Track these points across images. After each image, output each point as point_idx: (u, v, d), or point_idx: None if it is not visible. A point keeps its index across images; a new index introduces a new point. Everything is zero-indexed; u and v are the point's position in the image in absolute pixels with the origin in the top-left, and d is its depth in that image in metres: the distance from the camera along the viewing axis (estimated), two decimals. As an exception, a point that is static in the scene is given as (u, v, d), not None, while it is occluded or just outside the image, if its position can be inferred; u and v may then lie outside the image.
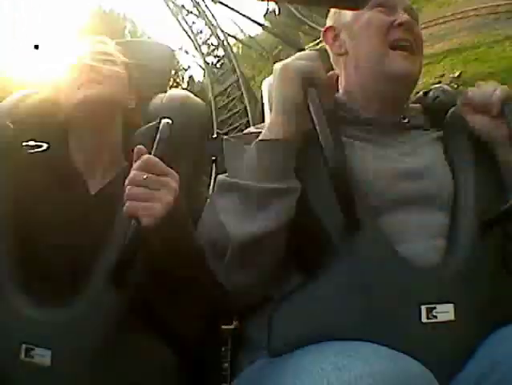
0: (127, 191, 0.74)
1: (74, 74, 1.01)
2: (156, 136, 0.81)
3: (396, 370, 0.58)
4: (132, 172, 0.75)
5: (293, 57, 0.83)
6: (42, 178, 0.97)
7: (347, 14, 0.97)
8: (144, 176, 0.74)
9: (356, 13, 0.94)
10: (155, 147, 0.79)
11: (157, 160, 0.76)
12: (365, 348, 0.65)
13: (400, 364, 0.59)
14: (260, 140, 0.82)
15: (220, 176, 0.85)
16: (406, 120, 0.96)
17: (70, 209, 0.94)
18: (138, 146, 0.78)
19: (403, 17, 0.91)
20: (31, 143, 0.99)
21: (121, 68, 1.05)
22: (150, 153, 0.79)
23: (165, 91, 1.15)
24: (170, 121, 0.85)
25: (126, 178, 0.86)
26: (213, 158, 1.10)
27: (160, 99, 1.05)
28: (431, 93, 1.06)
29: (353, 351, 0.63)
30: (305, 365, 0.64)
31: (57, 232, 0.91)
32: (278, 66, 0.83)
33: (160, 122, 0.86)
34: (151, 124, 0.95)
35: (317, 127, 0.73)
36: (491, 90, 0.88)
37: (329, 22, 1.01)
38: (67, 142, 1.02)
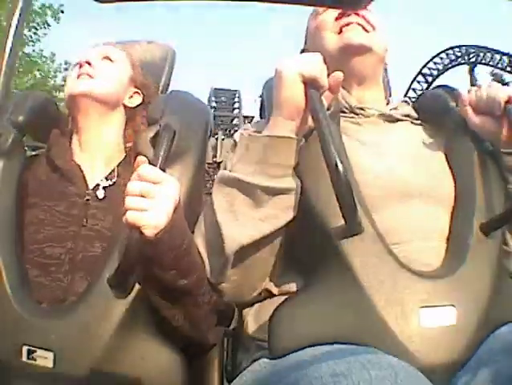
0: (125, 201, 0.73)
1: (75, 70, 1.04)
2: (157, 142, 0.81)
3: (394, 377, 0.57)
4: (130, 183, 0.74)
5: (295, 57, 0.82)
6: (44, 174, 1.00)
7: (308, 30, 1.05)
8: (142, 186, 0.73)
9: (312, 24, 1.01)
10: (155, 154, 0.78)
11: (155, 169, 0.75)
12: (364, 353, 0.65)
13: (399, 371, 0.59)
14: (262, 136, 0.81)
15: (222, 171, 0.85)
16: (394, 109, 0.99)
17: (69, 204, 0.95)
18: (139, 156, 0.77)
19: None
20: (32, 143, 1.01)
21: (120, 67, 1.08)
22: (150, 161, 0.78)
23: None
24: (173, 127, 0.85)
25: (122, 172, 0.96)
26: (219, 161, 1.10)
27: (161, 99, 1.05)
28: (430, 92, 1.06)
29: (352, 357, 0.63)
30: (304, 371, 0.64)
31: (57, 227, 0.93)
32: (279, 66, 0.81)
33: (162, 127, 0.85)
34: (152, 127, 0.95)
35: (319, 131, 0.73)
36: (494, 90, 0.88)
37: None
38: (71, 138, 1.05)
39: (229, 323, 0.95)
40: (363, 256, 0.76)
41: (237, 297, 0.89)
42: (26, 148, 1.02)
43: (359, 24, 0.96)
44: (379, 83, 1.03)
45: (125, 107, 1.09)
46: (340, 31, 0.96)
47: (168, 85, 1.27)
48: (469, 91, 0.92)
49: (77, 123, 1.04)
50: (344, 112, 0.96)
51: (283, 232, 0.83)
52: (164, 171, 0.77)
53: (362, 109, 0.96)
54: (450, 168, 0.91)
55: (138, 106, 1.10)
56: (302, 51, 1.07)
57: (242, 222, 0.79)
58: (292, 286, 0.84)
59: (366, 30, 0.96)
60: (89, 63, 1.03)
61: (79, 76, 1.02)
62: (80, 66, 1.03)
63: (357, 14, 0.96)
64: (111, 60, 1.07)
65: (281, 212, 0.79)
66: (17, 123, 0.98)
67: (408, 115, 1.00)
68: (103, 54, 1.06)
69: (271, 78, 0.89)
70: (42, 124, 1.05)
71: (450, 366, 0.73)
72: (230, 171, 0.83)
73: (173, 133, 0.85)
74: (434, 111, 1.01)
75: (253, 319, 0.88)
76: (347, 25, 0.96)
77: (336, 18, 0.97)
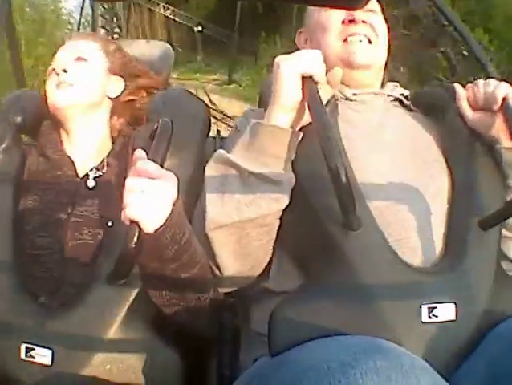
0: (124, 198, 0.72)
1: (51, 76, 1.04)
2: (155, 137, 0.81)
3: (400, 365, 0.57)
4: (128, 179, 0.74)
5: (295, 53, 0.83)
6: (34, 164, 1.01)
7: (310, 18, 1.03)
8: (141, 182, 0.72)
9: (316, 17, 1.00)
10: (153, 149, 0.78)
11: (153, 164, 0.74)
12: (369, 343, 0.65)
13: (405, 359, 0.59)
14: (258, 123, 0.82)
15: (219, 150, 0.86)
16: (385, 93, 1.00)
17: (59, 193, 0.96)
18: (137, 150, 0.76)
19: (354, 13, 0.94)
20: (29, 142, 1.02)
21: (95, 64, 1.06)
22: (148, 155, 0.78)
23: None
24: (170, 121, 0.84)
25: (111, 162, 0.99)
26: None
27: (159, 96, 1.05)
28: (428, 88, 1.06)
29: (358, 347, 0.63)
30: (311, 363, 0.64)
31: (46, 217, 0.93)
32: (278, 61, 0.82)
33: (160, 123, 0.85)
34: (150, 124, 0.95)
35: (317, 127, 0.73)
36: (492, 86, 0.88)
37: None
38: (60, 132, 1.05)
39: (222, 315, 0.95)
40: (363, 252, 0.76)
41: (232, 285, 0.90)
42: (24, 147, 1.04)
43: (364, 35, 0.95)
44: (379, 78, 1.04)
45: (102, 99, 1.08)
46: (345, 40, 0.96)
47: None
48: (466, 88, 0.93)
49: (65, 124, 1.05)
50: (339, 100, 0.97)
51: (275, 221, 0.84)
52: (162, 166, 0.76)
53: (355, 94, 0.97)
54: (448, 163, 0.91)
55: (122, 92, 1.09)
56: (300, 33, 1.07)
57: (226, 203, 0.81)
58: (292, 283, 0.84)
59: (370, 42, 0.96)
60: (65, 71, 1.02)
61: (58, 85, 1.02)
62: (57, 74, 1.02)
63: (364, 22, 0.95)
64: (85, 59, 1.05)
65: (267, 201, 0.80)
66: (13, 123, 1.00)
67: (402, 94, 1.02)
68: (76, 55, 1.05)
69: (271, 76, 0.90)
70: (38, 123, 1.06)
71: (450, 363, 0.73)
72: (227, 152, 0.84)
73: (171, 129, 0.85)
74: (432, 107, 1.01)
75: (258, 315, 0.88)
76: (353, 35, 0.95)
77: (343, 22, 0.96)
